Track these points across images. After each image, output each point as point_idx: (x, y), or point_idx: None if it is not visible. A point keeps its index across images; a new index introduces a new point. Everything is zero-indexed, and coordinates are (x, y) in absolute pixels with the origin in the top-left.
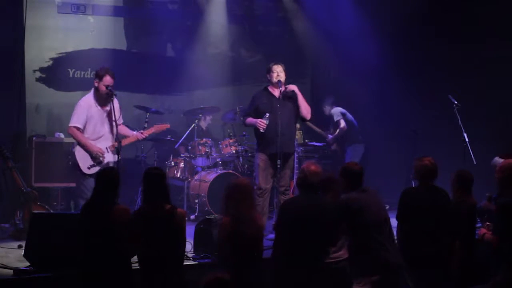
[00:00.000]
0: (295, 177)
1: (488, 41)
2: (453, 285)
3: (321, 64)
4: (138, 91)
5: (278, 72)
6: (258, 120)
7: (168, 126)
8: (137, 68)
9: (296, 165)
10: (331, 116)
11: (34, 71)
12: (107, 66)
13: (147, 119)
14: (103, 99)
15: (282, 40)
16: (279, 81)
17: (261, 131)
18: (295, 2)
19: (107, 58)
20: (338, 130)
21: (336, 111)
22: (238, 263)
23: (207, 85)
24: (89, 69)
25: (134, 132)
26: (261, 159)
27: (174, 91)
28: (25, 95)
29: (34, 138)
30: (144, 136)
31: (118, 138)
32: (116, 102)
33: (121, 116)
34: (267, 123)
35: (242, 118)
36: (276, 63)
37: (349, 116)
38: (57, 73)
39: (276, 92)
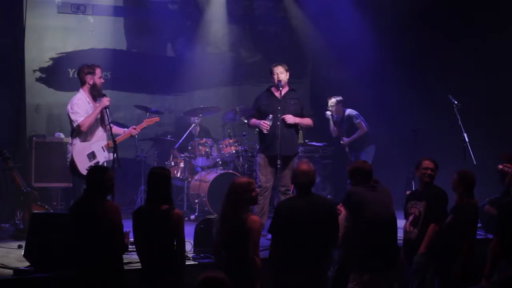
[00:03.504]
0: None
1: (488, 40)
2: (452, 285)
3: (321, 64)
4: (138, 91)
5: (278, 73)
6: (262, 122)
7: (157, 119)
8: (137, 68)
9: (296, 166)
10: (347, 117)
11: (34, 71)
12: (107, 66)
13: None
14: (95, 96)
15: (282, 40)
16: (279, 81)
17: (265, 132)
18: (295, 2)
19: (107, 58)
20: (358, 132)
21: (353, 113)
22: (223, 262)
23: (207, 85)
24: None
25: (126, 129)
26: (261, 158)
27: (174, 91)
28: (25, 95)
29: (34, 138)
30: (137, 132)
31: (113, 136)
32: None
33: None
34: (270, 125)
35: (246, 120)
36: (276, 65)
37: (362, 118)
38: (57, 73)
39: (278, 94)
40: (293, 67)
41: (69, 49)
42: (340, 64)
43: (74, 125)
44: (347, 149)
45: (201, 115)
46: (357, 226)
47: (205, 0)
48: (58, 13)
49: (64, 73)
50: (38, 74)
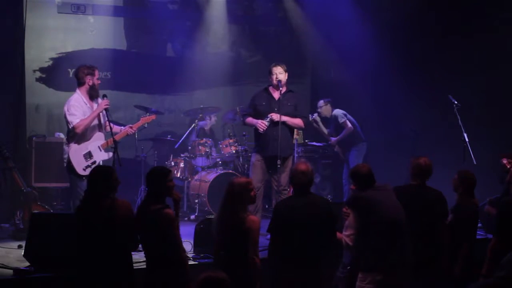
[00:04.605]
0: None
1: (488, 40)
2: (451, 285)
3: (321, 64)
4: (138, 91)
5: (277, 73)
6: (260, 121)
7: (154, 117)
8: (137, 68)
9: (294, 166)
10: (333, 118)
11: (34, 71)
12: (107, 66)
13: None
14: (92, 97)
15: (282, 40)
16: (279, 81)
17: (260, 131)
18: (295, 2)
19: (107, 58)
20: (344, 131)
21: (339, 112)
22: (222, 262)
23: (207, 85)
24: None
25: (123, 127)
26: (256, 158)
27: (174, 91)
28: (25, 95)
29: (34, 138)
30: (134, 130)
31: (113, 136)
32: (99, 100)
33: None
34: (268, 125)
35: (241, 118)
36: (275, 65)
37: (350, 117)
38: (57, 73)
39: (276, 94)
40: (293, 67)
41: (69, 49)
42: (340, 64)
43: (70, 127)
44: (335, 149)
45: (201, 115)
46: (368, 227)
47: (205, 0)
48: (58, 13)
49: (64, 73)
50: (38, 74)
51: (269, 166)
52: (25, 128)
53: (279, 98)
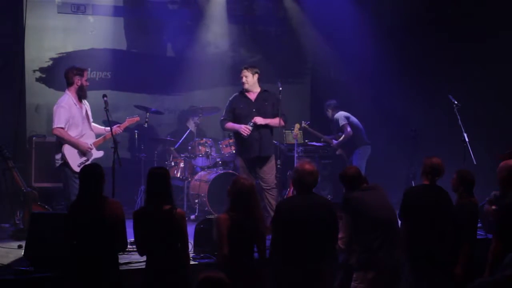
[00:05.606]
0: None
1: (488, 40)
2: (454, 285)
3: (321, 64)
4: (138, 91)
5: (244, 77)
6: (243, 126)
7: (137, 119)
8: (137, 68)
9: (298, 165)
10: (335, 121)
11: (34, 71)
12: (107, 66)
13: (147, 119)
14: (81, 97)
15: (282, 40)
16: (244, 84)
17: (245, 136)
18: (295, 2)
19: (107, 58)
20: (343, 136)
21: (341, 115)
22: (236, 260)
23: (207, 85)
24: (89, 69)
25: (109, 128)
26: (240, 162)
27: (174, 91)
28: (25, 95)
29: (34, 138)
30: (120, 130)
31: (112, 135)
32: (86, 102)
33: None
34: (251, 129)
35: (220, 123)
36: (242, 68)
37: (354, 119)
38: (57, 73)
39: (252, 96)
40: (293, 67)
41: (69, 49)
42: (341, 64)
43: (52, 126)
44: (337, 152)
45: (201, 115)
46: (359, 227)
47: (205, 0)
48: (58, 13)
49: (64, 73)
50: (38, 74)
51: (253, 167)
52: (25, 128)
53: (255, 100)
